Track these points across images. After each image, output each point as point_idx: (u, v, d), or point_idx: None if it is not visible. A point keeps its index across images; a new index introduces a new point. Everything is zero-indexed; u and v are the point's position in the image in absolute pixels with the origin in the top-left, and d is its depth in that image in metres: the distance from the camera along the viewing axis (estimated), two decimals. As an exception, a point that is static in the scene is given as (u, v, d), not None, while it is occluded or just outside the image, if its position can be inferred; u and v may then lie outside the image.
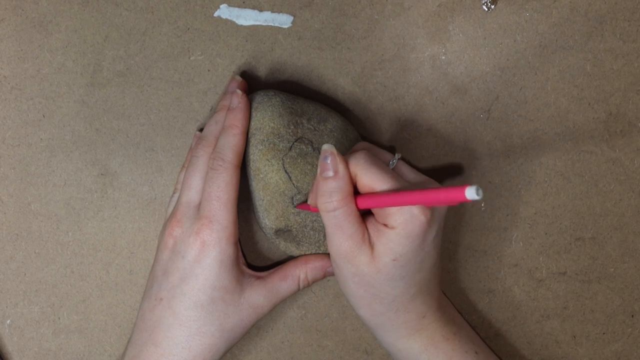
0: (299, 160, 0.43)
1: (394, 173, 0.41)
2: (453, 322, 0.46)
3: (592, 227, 0.49)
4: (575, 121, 0.48)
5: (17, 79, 0.48)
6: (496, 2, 0.48)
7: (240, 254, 0.45)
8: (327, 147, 0.41)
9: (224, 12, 0.48)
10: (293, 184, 0.43)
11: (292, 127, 0.44)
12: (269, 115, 0.44)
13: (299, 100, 0.45)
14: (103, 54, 0.48)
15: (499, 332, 0.50)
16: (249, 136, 0.44)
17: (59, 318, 0.49)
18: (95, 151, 0.49)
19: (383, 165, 0.41)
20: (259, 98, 0.45)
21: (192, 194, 0.44)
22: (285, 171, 0.43)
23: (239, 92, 0.44)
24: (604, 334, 0.50)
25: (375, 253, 0.41)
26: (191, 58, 0.48)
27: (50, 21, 0.48)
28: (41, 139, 0.49)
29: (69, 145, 0.49)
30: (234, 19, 0.48)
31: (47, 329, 0.49)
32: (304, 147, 0.44)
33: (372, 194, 0.40)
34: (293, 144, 0.44)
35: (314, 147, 0.44)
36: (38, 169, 0.49)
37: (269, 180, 0.43)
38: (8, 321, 0.49)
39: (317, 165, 0.43)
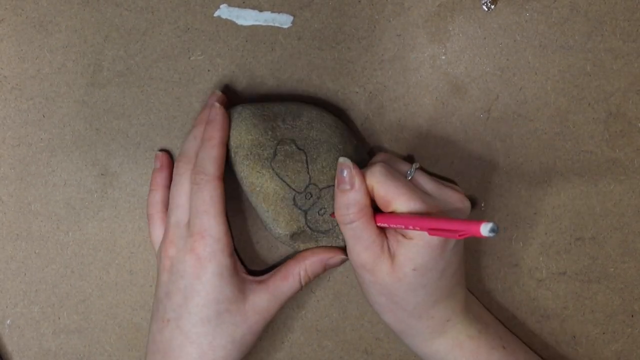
0: (287, 162, 0.43)
1: (410, 185, 0.42)
2: (479, 320, 0.46)
3: (592, 227, 0.49)
4: (575, 121, 0.48)
5: (17, 79, 0.48)
6: (496, 2, 0.48)
7: (238, 262, 0.45)
8: (343, 161, 0.42)
9: (224, 12, 0.48)
10: (289, 186, 0.43)
11: (270, 132, 0.44)
12: (244, 129, 0.44)
13: (269, 105, 0.45)
14: (103, 54, 0.48)
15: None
16: (234, 155, 0.44)
17: (59, 318, 0.49)
18: (95, 151, 0.49)
19: (400, 178, 0.42)
20: (229, 116, 0.45)
21: (180, 213, 0.44)
22: (279, 176, 0.43)
23: (216, 104, 0.44)
24: (604, 334, 0.50)
25: (395, 263, 0.41)
26: (191, 58, 0.48)
27: (50, 21, 0.48)
28: (41, 139, 0.49)
29: (69, 145, 0.49)
30: (234, 19, 0.48)
31: (47, 329, 0.49)
32: (287, 147, 0.44)
33: (390, 214, 0.41)
34: (276, 148, 0.44)
35: (297, 145, 0.44)
36: (38, 169, 0.49)
37: (267, 190, 0.43)
38: (8, 321, 0.49)
39: (306, 162, 0.44)
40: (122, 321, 0.49)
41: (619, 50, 0.48)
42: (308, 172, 0.44)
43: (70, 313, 0.49)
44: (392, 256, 0.41)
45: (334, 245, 0.46)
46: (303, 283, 0.46)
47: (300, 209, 0.44)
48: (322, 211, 0.44)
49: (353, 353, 0.50)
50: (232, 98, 0.48)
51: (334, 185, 0.44)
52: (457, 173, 0.49)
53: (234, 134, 0.44)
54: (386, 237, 0.42)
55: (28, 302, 0.49)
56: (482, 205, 0.49)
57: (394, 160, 0.45)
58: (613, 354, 0.50)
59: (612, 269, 0.49)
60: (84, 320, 0.49)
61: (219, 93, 0.46)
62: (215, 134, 0.43)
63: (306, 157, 0.44)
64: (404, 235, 0.41)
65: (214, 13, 0.48)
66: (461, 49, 0.48)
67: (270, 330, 0.50)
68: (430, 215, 0.40)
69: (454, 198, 0.43)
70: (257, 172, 0.43)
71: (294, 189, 0.43)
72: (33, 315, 0.49)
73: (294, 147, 0.44)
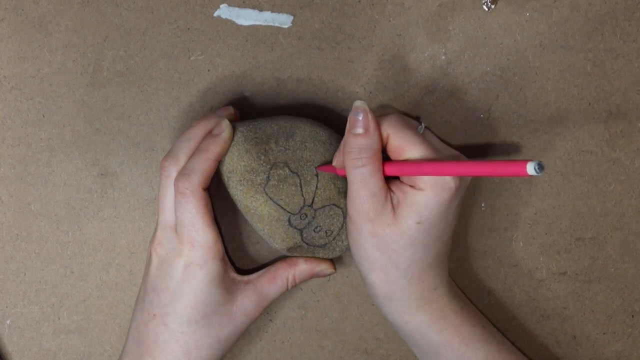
0: (281, 186, 0.43)
1: (424, 138, 0.41)
2: (460, 297, 0.46)
3: (592, 227, 0.49)
4: (575, 121, 0.48)
5: (17, 79, 0.48)
6: (496, 2, 0.48)
7: (229, 263, 0.45)
8: (359, 104, 0.41)
9: (224, 12, 0.48)
10: (284, 209, 0.43)
11: (263, 156, 0.43)
12: (236, 155, 0.43)
13: (261, 125, 0.44)
14: (103, 54, 0.48)
15: (499, 332, 0.50)
16: (227, 179, 0.43)
17: (59, 318, 0.49)
18: (95, 151, 0.49)
19: (415, 130, 0.42)
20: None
21: (167, 215, 0.43)
22: (273, 201, 0.43)
23: (226, 121, 0.43)
24: (604, 334, 0.49)
25: (398, 214, 0.41)
26: (191, 58, 0.48)
27: (50, 21, 0.48)
28: (41, 139, 0.49)
29: (69, 145, 0.49)
30: (234, 19, 0.48)
31: (47, 329, 0.49)
32: (280, 171, 0.43)
33: (409, 162, 0.40)
34: (269, 173, 0.43)
35: (291, 169, 0.44)
36: (38, 169, 0.49)
37: (261, 213, 0.43)
38: (8, 321, 0.49)
39: (300, 185, 0.43)
40: (122, 321, 0.49)
41: (619, 50, 0.48)
42: (302, 195, 0.44)
43: (70, 313, 0.49)
44: (395, 208, 0.41)
45: (330, 256, 0.46)
46: (290, 286, 0.46)
47: (295, 228, 0.44)
48: (318, 229, 0.44)
49: (353, 353, 0.50)
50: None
51: (328, 205, 0.44)
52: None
53: (226, 159, 0.43)
54: (390, 189, 0.41)
55: (28, 302, 0.49)
56: (483, 205, 0.49)
57: (404, 117, 0.45)
58: (613, 354, 0.50)
59: (612, 269, 0.49)
60: (84, 320, 0.49)
61: (231, 109, 0.45)
62: (213, 148, 0.42)
63: (300, 180, 0.44)
64: (412, 186, 0.40)
65: (214, 13, 0.48)
66: (461, 49, 0.48)
67: (270, 330, 0.50)
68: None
69: (460, 158, 0.44)
70: (251, 196, 0.43)
71: (288, 212, 0.43)
72: (33, 315, 0.49)
73: (287, 170, 0.44)
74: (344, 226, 0.45)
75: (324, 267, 0.46)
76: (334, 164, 0.43)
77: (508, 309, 0.50)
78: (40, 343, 0.49)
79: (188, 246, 0.42)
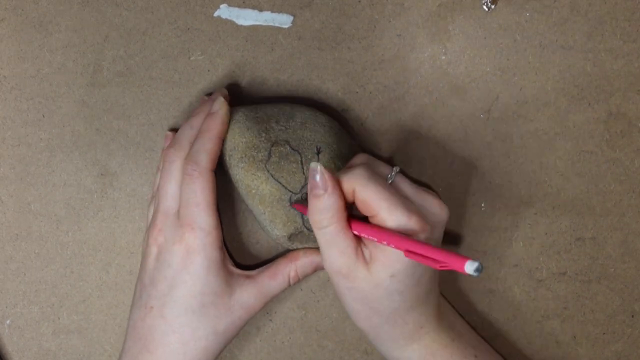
0: (282, 163, 0.43)
1: (392, 190, 0.40)
2: (452, 328, 0.45)
3: (592, 227, 0.49)
4: (575, 121, 0.48)
5: (17, 79, 0.48)
6: (496, 2, 0.48)
7: (227, 255, 0.45)
8: (314, 166, 0.40)
9: (224, 12, 0.48)
10: (285, 188, 0.43)
11: (264, 134, 0.44)
12: (237, 132, 0.44)
13: (262, 107, 0.45)
14: (103, 54, 0.48)
15: (499, 332, 0.50)
16: (228, 158, 0.44)
17: (59, 318, 0.49)
18: (95, 151, 0.49)
19: (381, 181, 0.40)
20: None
21: (169, 201, 0.43)
22: (274, 178, 0.43)
23: (220, 98, 0.44)
24: (604, 334, 0.49)
25: (372, 268, 0.40)
26: (191, 58, 0.48)
27: (50, 21, 0.48)
28: (41, 139, 0.49)
29: (69, 145, 0.49)
30: (234, 19, 0.48)
31: (47, 329, 0.49)
32: (282, 149, 0.44)
33: (369, 224, 0.40)
34: (270, 150, 0.43)
35: (292, 146, 0.44)
36: (38, 169, 0.49)
37: (262, 192, 0.43)
38: (8, 321, 0.49)
39: (301, 162, 0.43)
40: (122, 321, 0.49)
41: (619, 50, 0.48)
42: (303, 173, 0.44)
43: (70, 313, 0.49)
44: (367, 261, 0.40)
45: None
46: (292, 283, 0.46)
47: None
48: None
49: (353, 353, 0.50)
50: (232, 99, 0.48)
51: None
52: (457, 173, 0.49)
53: (227, 137, 0.44)
54: (361, 242, 0.41)
55: (28, 302, 0.49)
56: (483, 205, 0.49)
57: (375, 163, 0.44)
58: (613, 354, 0.50)
59: (612, 269, 0.49)
60: (84, 320, 0.49)
61: (224, 91, 0.46)
62: (214, 127, 0.43)
63: (301, 157, 0.44)
64: None
65: (214, 13, 0.48)
66: (461, 49, 0.48)
67: (270, 330, 0.50)
68: (412, 234, 0.39)
69: (433, 204, 0.43)
70: (252, 174, 0.43)
71: (289, 190, 0.43)
72: (33, 315, 0.49)
73: (288, 148, 0.44)
74: None
75: None
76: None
77: (508, 309, 0.50)
78: (40, 343, 0.49)
79: (188, 229, 0.42)
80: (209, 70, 0.48)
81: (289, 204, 0.44)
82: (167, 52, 0.48)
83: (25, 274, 0.49)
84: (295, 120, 0.45)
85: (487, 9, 0.48)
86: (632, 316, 0.49)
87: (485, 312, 0.49)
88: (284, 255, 0.47)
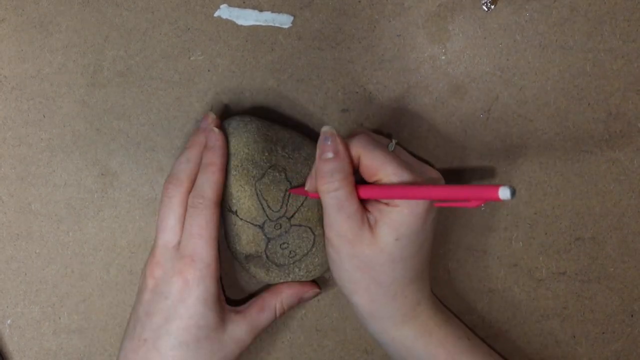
0: (271, 188, 0.44)
1: (395, 155, 0.42)
2: (442, 310, 0.46)
3: (592, 227, 0.49)
4: (575, 121, 0.48)
5: (18, 79, 0.48)
6: (496, 2, 0.48)
7: (222, 291, 0.45)
8: (326, 129, 0.42)
9: (224, 12, 0.48)
10: (264, 211, 0.44)
11: (267, 153, 0.44)
12: (244, 141, 0.44)
13: (275, 127, 0.45)
14: (103, 54, 0.48)
15: (499, 332, 0.50)
16: None
17: (59, 318, 0.49)
18: (95, 151, 0.49)
19: (385, 148, 0.42)
20: (235, 124, 0.45)
21: (168, 235, 0.43)
22: (258, 198, 0.43)
23: (216, 130, 0.44)
24: (603, 333, 0.50)
25: (376, 233, 0.41)
26: (191, 58, 0.48)
27: (50, 21, 0.48)
28: (42, 139, 0.49)
29: (70, 145, 0.49)
30: (234, 19, 0.48)
31: (47, 329, 0.49)
32: (277, 174, 0.44)
33: (379, 185, 0.41)
34: (266, 171, 0.44)
35: (287, 176, 0.44)
36: (38, 169, 0.49)
37: (242, 205, 0.43)
38: (8, 321, 0.49)
39: (288, 195, 0.44)
40: (122, 321, 0.49)
41: (619, 50, 0.48)
42: (286, 205, 0.44)
43: (71, 313, 0.49)
44: (371, 227, 0.41)
45: (282, 280, 0.46)
46: (278, 315, 0.46)
47: (265, 235, 0.44)
48: (285, 245, 0.45)
49: (353, 353, 0.50)
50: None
51: (304, 226, 0.45)
52: (457, 173, 0.49)
53: (232, 141, 0.44)
54: (366, 209, 0.42)
55: (28, 302, 0.49)
56: (482, 205, 0.49)
57: (374, 135, 0.45)
58: (613, 353, 0.50)
59: (612, 269, 0.49)
60: (84, 320, 0.49)
61: (212, 115, 0.45)
62: (216, 160, 0.43)
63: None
64: (387, 204, 0.41)
65: (214, 13, 0.48)
66: (461, 49, 0.48)
67: (270, 330, 0.50)
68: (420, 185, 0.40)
69: (431, 172, 0.44)
70: (240, 185, 0.43)
71: (267, 215, 0.44)
72: (33, 315, 0.49)
73: (283, 176, 0.44)
74: (305, 257, 0.45)
75: (309, 289, 0.47)
76: (306, 188, 0.44)
77: (508, 309, 0.50)
78: (40, 343, 0.49)
79: (188, 260, 0.42)
80: (209, 70, 0.48)
81: (261, 230, 0.44)
82: (167, 52, 0.48)
83: (26, 274, 0.49)
84: (301, 153, 0.45)
85: (486, 9, 0.48)
86: (632, 316, 0.49)
87: (485, 312, 0.49)
88: (267, 288, 0.47)
